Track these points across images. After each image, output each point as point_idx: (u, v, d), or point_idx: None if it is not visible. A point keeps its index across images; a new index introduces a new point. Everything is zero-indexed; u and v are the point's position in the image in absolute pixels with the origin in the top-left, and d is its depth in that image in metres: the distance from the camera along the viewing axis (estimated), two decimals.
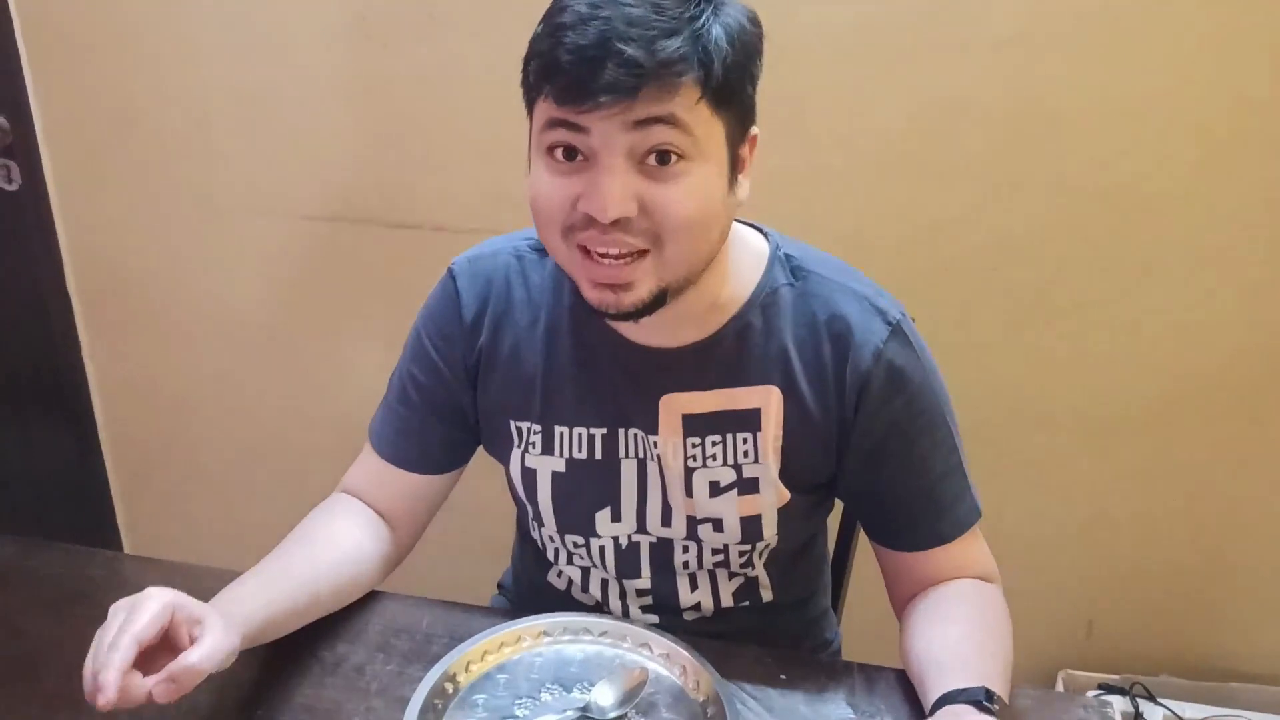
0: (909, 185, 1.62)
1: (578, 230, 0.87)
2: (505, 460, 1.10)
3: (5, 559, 1.13)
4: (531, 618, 1.04)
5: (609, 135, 0.83)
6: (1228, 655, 1.83)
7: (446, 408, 1.10)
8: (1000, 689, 0.88)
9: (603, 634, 1.04)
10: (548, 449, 1.06)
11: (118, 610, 0.82)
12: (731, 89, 0.85)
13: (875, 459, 1.01)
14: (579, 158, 0.85)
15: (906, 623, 1.03)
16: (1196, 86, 1.50)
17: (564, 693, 0.97)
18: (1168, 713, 1.70)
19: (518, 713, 0.94)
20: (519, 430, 1.07)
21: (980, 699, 0.85)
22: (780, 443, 1.01)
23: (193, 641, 0.81)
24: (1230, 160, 1.53)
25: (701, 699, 0.96)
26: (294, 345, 1.95)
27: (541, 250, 1.06)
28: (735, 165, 0.90)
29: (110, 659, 0.77)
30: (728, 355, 1.00)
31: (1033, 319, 1.67)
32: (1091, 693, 1.74)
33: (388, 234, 1.82)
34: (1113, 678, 1.78)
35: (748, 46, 0.87)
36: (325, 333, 1.93)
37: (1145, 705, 1.71)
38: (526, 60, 0.87)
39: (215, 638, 0.82)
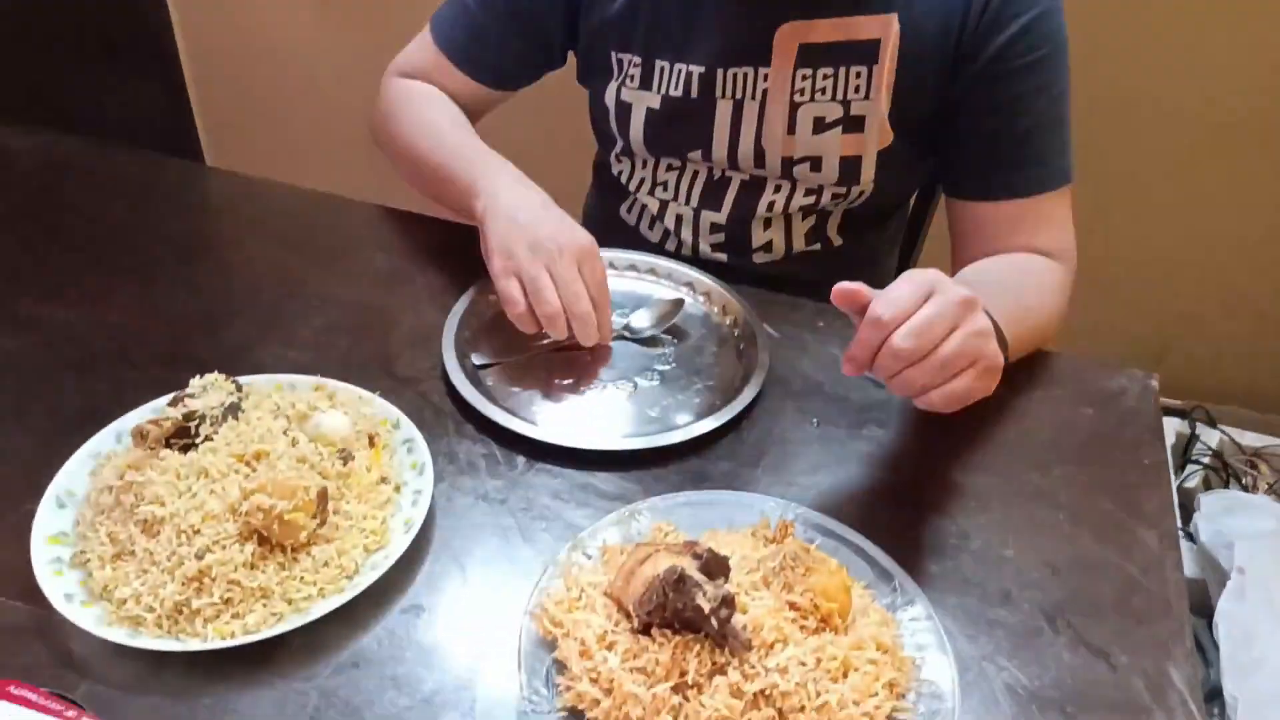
0: None
1: None
2: (600, 90, 1.09)
3: (87, 156, 1.18)
4: None
5: None
6: None
7: (533, 23, 1.08)
8: (1005, 327, 0.83)
9: (649, 270, 1.05)
10: (646, 84, 1.04)
11: (564, 255, 0.87)
12: None
13: (980, 85, 0.96)
14: None
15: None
16: None
17: None
18: (1224, 437, 1.68)
19: None
20: (619, 61, 1.05)
21: None
22: (893, 78, 0.97)
23: None
24: None
25: (736, 332, 0.98)
26: None
27: None
28: None
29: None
30: None
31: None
32: None
33: None
34: (1175, 403, 1.76)
35: None
36: None
37: (1203, 429, 1.69)
38: None
39: None
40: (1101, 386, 0.95)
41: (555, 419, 0.87)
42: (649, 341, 0.96)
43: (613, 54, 1.05)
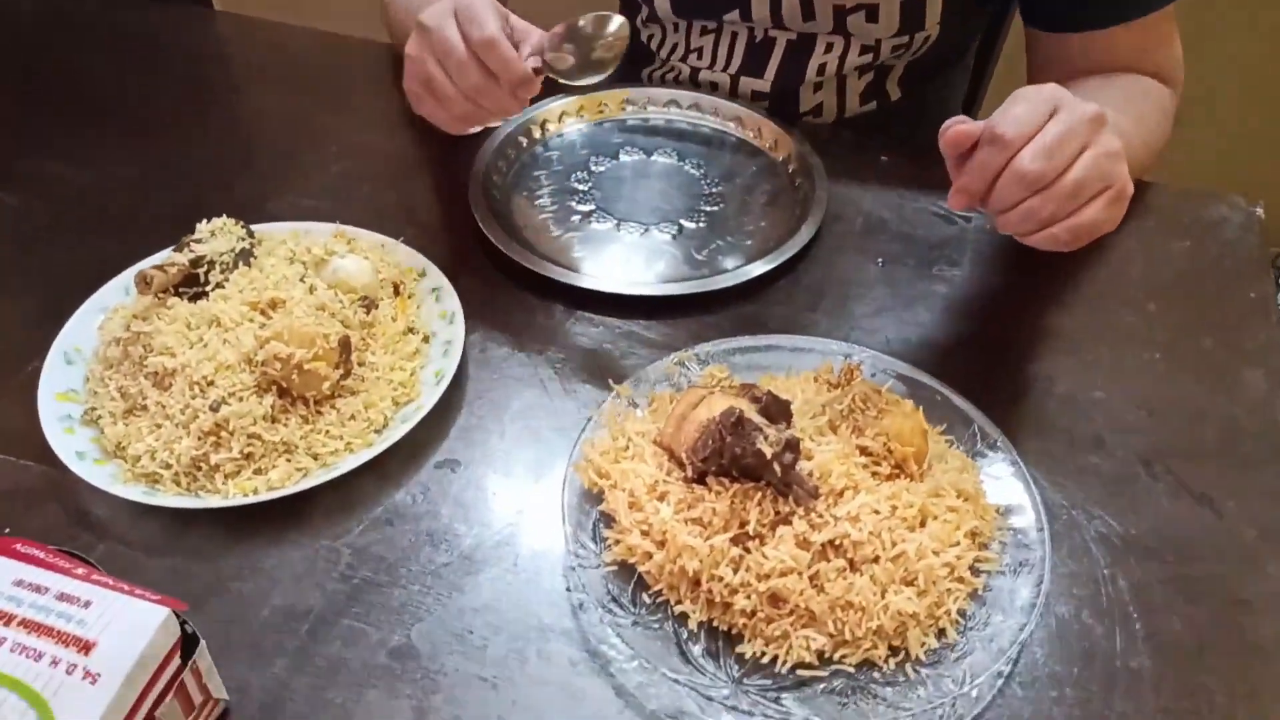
0: None
1: None
2: None
3: (90, 9, 1.10)
4: (618, 88, 0.96)
5: None
6: None
7: None
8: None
9: (692, 105, 0.96)
10: None
11: (443, 20, 0.71)
12: None
13: None
14: None
15: None
16: None
17: (644, 156, 0.91)
18: None
19: (594, 168, 0.90)
20: None
21: None
22: None
23: None
24: None
25: (791, 168, 0.89)
26: None
27: None
28: None
29: (502, 54, 0.69)
30: None
31: None
32: None
33: None
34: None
35: None
36: None
37: None
38: None
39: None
40: (1199, 216, 0.85)
41: (595, 265, 0.80)
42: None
43: None
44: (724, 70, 0.99)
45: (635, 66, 1.08)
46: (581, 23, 0.73)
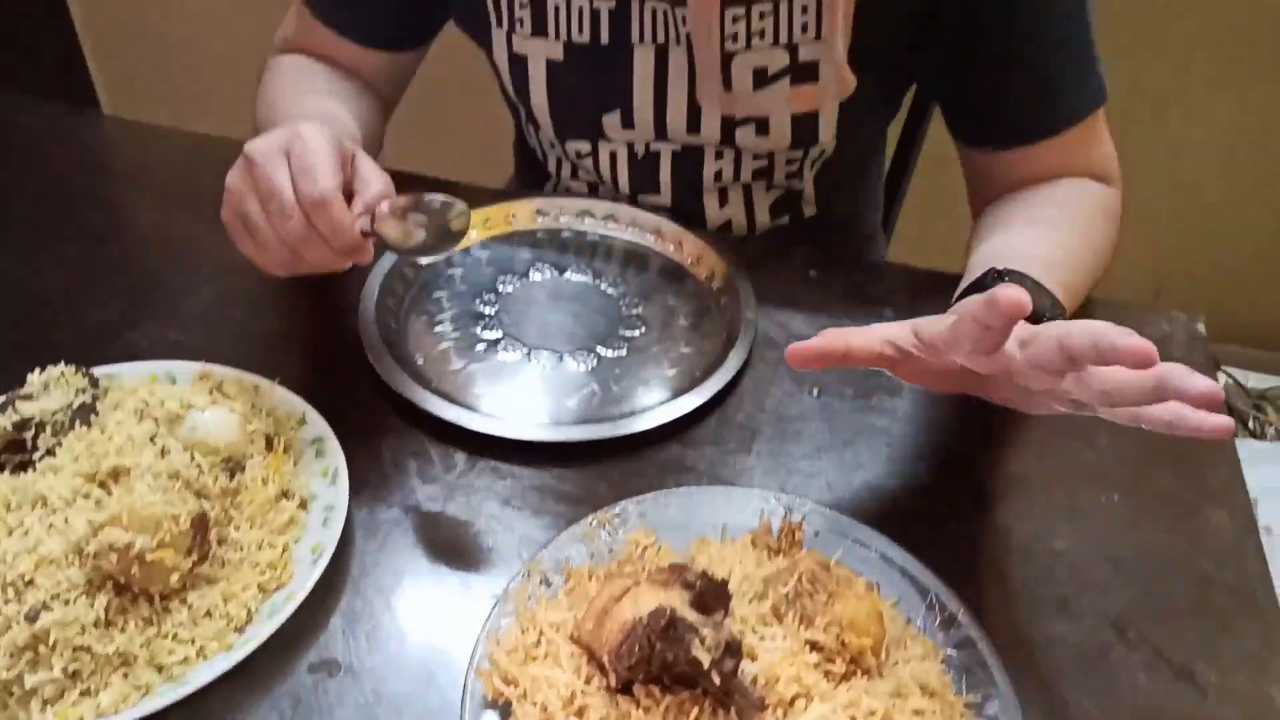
0: None
1: None
2: (486, 45, 0.88)
3: None
4: (528, 197, 0.89)
5: None
6: None
7: None
8: (1064, 298, 0.68)
9: (607, 217, 0.89)
10: (539, 29, 0.82)
11: (272, 157, 0.61)
12: None
13: (974, 13, 0.76)
14: None
15: (978, 225, 0.84)
16: None
17: (557, 274, 0.84)
18: (1229, 380, 1.57)
19: (501, 289, 0.82)
20: (499, 3, 0.83)
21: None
22: (853, 5, 0.76)
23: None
24: None
25: (714, 286, 0.83)
26: None
27: None
28: None
29: (334, 218, 0.59)
30: None
31: None
32: None
33: None
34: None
35: None
36: None
37: None
38: None
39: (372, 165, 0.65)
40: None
41: (501, 402, 0.71)
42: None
43: None
44: (617, 190, 0.92)
45: (538, 186, 1.00)
46: (428, 198, 0.63)
